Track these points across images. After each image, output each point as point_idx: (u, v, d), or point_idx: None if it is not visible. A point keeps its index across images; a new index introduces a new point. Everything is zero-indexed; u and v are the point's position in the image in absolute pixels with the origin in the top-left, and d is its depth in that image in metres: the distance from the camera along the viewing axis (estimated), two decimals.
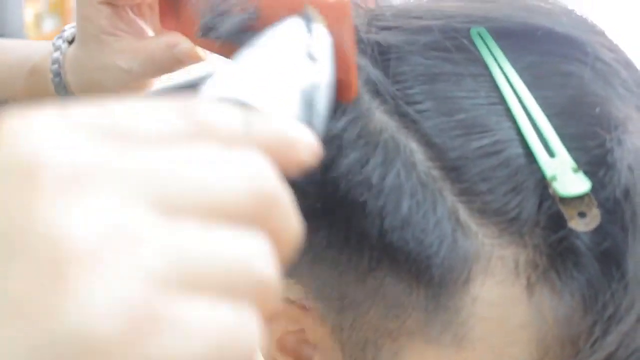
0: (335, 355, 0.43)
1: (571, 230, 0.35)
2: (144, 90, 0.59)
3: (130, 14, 0.57)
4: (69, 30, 0.62)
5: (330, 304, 0.41)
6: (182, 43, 0.53)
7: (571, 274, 0.35)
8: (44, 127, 0.22)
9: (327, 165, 0.37)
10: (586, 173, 0.35)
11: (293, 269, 0.42)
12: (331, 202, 0.38)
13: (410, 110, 0.38)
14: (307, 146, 0.28)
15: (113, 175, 0.22)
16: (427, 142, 0.37)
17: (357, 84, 0.36)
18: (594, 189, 0.35)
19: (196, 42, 0.49)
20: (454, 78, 0.38)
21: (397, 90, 0.38)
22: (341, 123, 0.37)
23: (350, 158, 0.37)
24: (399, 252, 0.37)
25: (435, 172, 0.37)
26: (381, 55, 0.39)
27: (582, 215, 0.35)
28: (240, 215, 0.24)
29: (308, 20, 0.34)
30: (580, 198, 0.35)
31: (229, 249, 0.23)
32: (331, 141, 0.37)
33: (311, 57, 0.32)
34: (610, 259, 0.35)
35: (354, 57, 0.35)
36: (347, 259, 0.39)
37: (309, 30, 0.33)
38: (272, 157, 0.26)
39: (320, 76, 0.32)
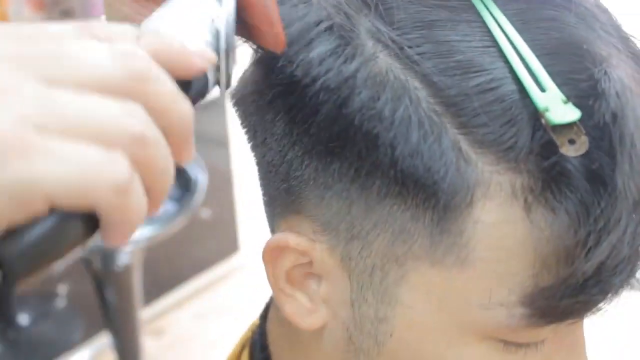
0: (342, 284, 0.46)
1: (562, 156, 0.39)
2: None
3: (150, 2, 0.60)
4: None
5: (339, 235, 0.45)
6: None
7: (564, 193, 0.39)
8: None
9: (341, 103, 0.41)
10: (575, 104, 0.39)
11: (305, 204, 0.45)
12: (343, 137, 0.42)
13: (411, 52, 0.41)
14: (197, 52, 0.34)
15: (9, 58, 0.29)
16: (428, 81, 0.41)
17: (283, 34, 0.41)
18: (583, 118, 0.39)
19: None
20: (450, 24, 0.42)
21: (398, 35, 0.42)
22: (353, 66, 0.41)
23: (362, 95, 0.41)
24: (409, 179, 0.41)
25: (438, 108, 0.41)
26: (383, 4, 0.43)
27: (571, 142, 0.39)
28: (114, 88, 0.30)
29: None
30: (569, 126, 0.39)
31: (100, 107, 0.30)
32: (344, 82, 0.41)
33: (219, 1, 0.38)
34: (599, 178, 0.39)
35: (277, 11, 0.41)
36: (357, 190, 0.43)
37: None
38: (160, 60, 0.32)
39: (225, 12, 0.38)
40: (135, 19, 0.58)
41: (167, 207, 1.92)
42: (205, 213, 2.46)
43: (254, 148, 0.49)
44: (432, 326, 0.44)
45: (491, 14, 0.43)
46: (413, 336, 0.45)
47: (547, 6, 0.43)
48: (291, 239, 0.46)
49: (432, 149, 0.40)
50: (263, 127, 0.46)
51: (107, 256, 1.90)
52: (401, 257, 0.43)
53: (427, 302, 0.44)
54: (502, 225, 0.41)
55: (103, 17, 0.59)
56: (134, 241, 1.84)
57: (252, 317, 0.62)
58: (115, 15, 0.59)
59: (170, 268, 2.44)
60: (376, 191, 0.42)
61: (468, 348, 0.44)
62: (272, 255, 0.47)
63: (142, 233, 1.85)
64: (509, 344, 0.44)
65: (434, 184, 0.40)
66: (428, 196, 0.41)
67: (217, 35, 0.38)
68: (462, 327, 0.44)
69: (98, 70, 0.30)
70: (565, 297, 0.41)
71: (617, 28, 0.44)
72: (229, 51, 0.38)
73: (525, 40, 0.42)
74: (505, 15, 0.42)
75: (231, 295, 2.61)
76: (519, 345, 0.45)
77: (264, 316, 0.59)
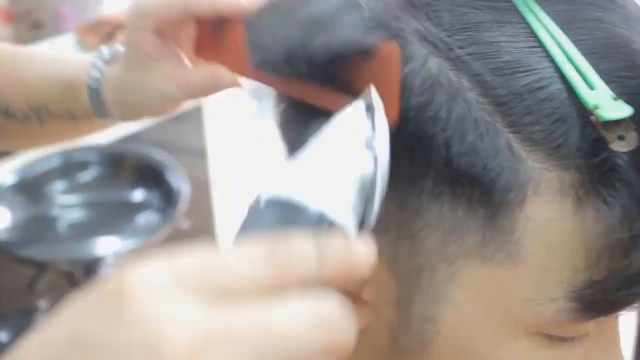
0: (388, 286, 0.47)
1: (612, 152, 0.40)
2: (176, 108, 0.66)
3: (172, 42, 0.62)
4: (106, 51, 0.66)
5: (386, 236, 0.45)
6: (224, 74, 0.59)
7: (616, 187, 0.40)
8: (159, 293, 0.30)
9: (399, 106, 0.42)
10: (627, 101, 0.40)
11: None
12: (396, 137, 0.42)
13: (461, 52, 0.42)
14: (367, 262, 0.37)
15: (222, 344, 0.30)
16: (479, 81, 0.42)
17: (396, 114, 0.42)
18: (636, 114, 0.40)
19: (239, 71, 0.55)
20: (496, 25, 0.43)
21: (446, 36, 0.43)
22: (406, 69, 0.42)
23: (417, 97, 0.41)
24: (465, 178, 0.41)
25: (489, 107, 0.42)
26: (430, 6, 0.44)
27: (621, 138, 0.40)
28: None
29: (369, 106, 0.40)
30: (619, 123, 0.40)
31: None
32: (400, 86, 0.42)
33: (369, 147, 0.38)
34: None
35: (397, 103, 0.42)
36: (408, 190, 0.43)
37: (370, 118, 0.39)
38: (340, 282, 0.35)
39: (377, 167, 0.38)
40: (156, 58, 0.62)
41: (149, 218, 1.92)
42: (185, 224, 2.45)
43: (289, 147, 0.49)
44: (480, 323, 0.45)
45: (535, 15, 0.44)
46: (461, 334, 0.46)
47: (590, 7, 0.44)
48: None
49: (488, 147, 0.41)
50: (304, 133, 0.47)
51: (90, 269, 1.88)
52: (452, 256, 0.44)
53: (476, 300, 0.44)
54: (553, 222, 0.42)
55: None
56: (116, 253, 1.83)
57: None
58: (138, 53, 0.62)
59: None
60: (428, 190, 0.43)
61: (515, 344, 0.45)
62: None
63: (125, 245, 1.84)
64: (553, 339, 0.45)
65: (489, 181, 0.41)
66: (482, 194, 0.42)
67: (365, 195, 0.38)
68: (511, 324, 0.45)
69: (301, 348, 0.32)
70: (618, 290, 0.41)
71: None
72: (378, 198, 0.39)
73: (570, 40, 0.43)
74: (549, 16, 0.43)
75: None
76: (563, 340, 0.45)
77: None
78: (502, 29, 0.43)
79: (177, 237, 2.35)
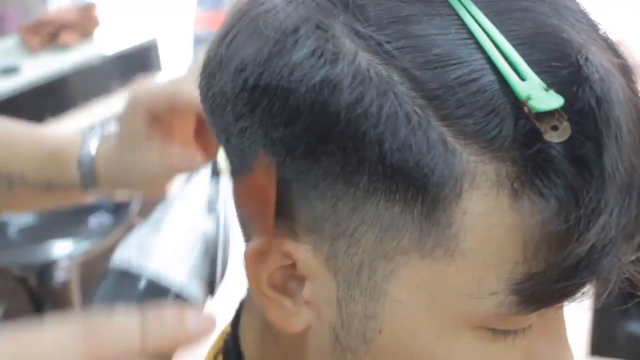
0: (328, 284, 0.46)
1: (547, 142, 0.40)
2: (162, 188, 0.73)
3: (163, 127, 0.69)
4: (96, 130, 0.74)
5: (324, 235, 0.45)
6: (198, 158, 0.67)
7: (551, 179, 0.40)
8: None
9: (325, 104, 0.41)
10: (558, 91, 0.40)
11: (282, 206, 0.45)
12: (329, 137, 0.42)
13: (389, 47, 0.42)
14: (199, 332, 0.41)
15: None
16: (409, 75, 0.41)
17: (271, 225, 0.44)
18: (567, 104, 0.40)
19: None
20: (425, 18, 0.43)
21: (375, 31, 0.42)
22: (336, 67, 0.41)
23: (347, 95, 0.41)
24: (398, 174, 0.41)
25: (421, 102, 0.41)
26: (354, 1, 0.43)
27: (554, 128, 0.40)
28: None
29: (214, 170, 0.41)
30: (551, 114, 0.40)
31: None
32: (328, 83, 0.41)
33: (212, 210, 0.39)
34: (585, 163, 0.40)
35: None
36: (343, 188, 0.43)
37: (214, 182, 0.41)
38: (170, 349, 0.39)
39: (219, 229, 0.39)
40: (148, 139, 0.69)
41: (102, 219, 1.89)
42: (141, 222, 2.42)
43: (229, 152, 0.48)
44: (422, 319, 0.45)
45: (464, 6, 0.43)
46: (403, 331, 0.45)
47: None
48: (275, 241, 0.46)
49: (420, 142, 0.40)
50: (240, 134, 0.46)
51: (43, 273, 1.86)
52: (390, 253, 0.43)
53: (416, 296, 0.44)
54: (490, 215, 0.41)
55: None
56: (69, 256, 1.80)
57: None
58: (132, 134, 0.69)
59: None
60: (363, 188, 0.42)
61: (458, 339, 0.45)
62: (254, 259, 0.47)
63: (78, 247, 1.82)
64: (497, 332, 0.45)
65: (423, 177, 0.41)
66: (417, 190, 0.41)
67: (207, 255, 0.39)
68: (452, 319, 0.44)
69: None
70: (556, 281, 0.41)
71: (586, 16, 0.45)
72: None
73: (501, 32, 0.42)
74: (478, 7, 0.43)
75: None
76: (506, 333, 0.45)
77: (235, 323, 0.58)
78: (431, 22, 0.43)
79: None
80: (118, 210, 1.89)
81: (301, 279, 0.47)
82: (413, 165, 0.41)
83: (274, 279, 0.48)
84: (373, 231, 0.43)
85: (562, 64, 0.41)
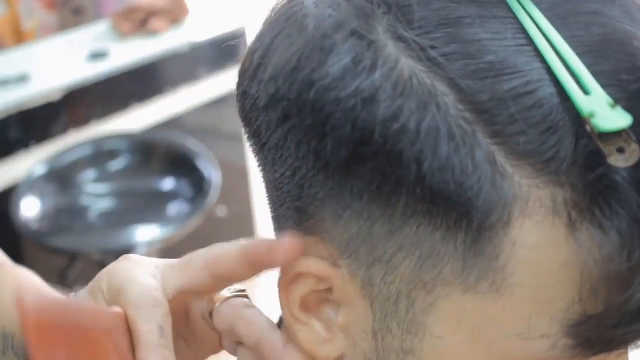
0: (364, 313, 0.42)
1: (610, 167, 0.35)
2: None
3: None
4: None
5: (360, 259, 0.40)
6: None
7: (614, 210, 0.35)
8: None
9: (362, 117, 0.37)
10: (626, 109, 0.35)
11: (320, 225, 0.41)
12: (364, 155, 0.37)
13: (434, 53, 0.37)
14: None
15: None
16: (456, 85, 0.36)
17: None
18: (636, 123, 0.34)
19: None
20: (479, 20, 0.38)
21: (420, 35, 0.38)
22: (375, 76, 0.37)
23: (384, 107, 0.36)
24: (438, 197, 0.36)
25: (468, 115, 0.36)
26: (401, 2, 0.39)
27: (620, 151, 0.35)
28: None
29: None
30: (618, 134, 0.35)
31: None
32: (366, 94, 0.37)
33: None
34: None
35: None
36: (380, 209, 0.38)
37: None
38: None
39: None
40: None
41: (180, 207, 1.89)
42: (222, 211, 2.42)
43: (262, 162, 0.44)
44: (463, 358, 0.40)
45: (524, 8, 0.38)
46: None
47: None
48: (313, 263, 0.42)
49: (464, 163, 0.36)
50: (274, 142, 0.42)
51: None
52: (430, 283, 0.39)
53: (458, 332, 0.39)
54: (544, 247, 0.36)
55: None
56: (148, 242, 1.81)
57: (273, 315, 0.58)
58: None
59: None
60: (401, 210, 0.38)
61: None
62: (287, 281, 0.43)
63: (157, 234, 1.82)
64: None
65: (467, 201, 0.36)
66: (460, 215, 0.36)
67: None
68: (498, 359, 0.39)
69: None
70: (616, 326, 0.36)
71: None
72: None
73: (564, 38, 0.37)
74: (540, 10, 0.38)
75: (252, 295, 2.57)
76: None
77: None
78: (486, 25, 0.38)
79: (214, 225, 2.33)
80: (196, 198, 1.89)
81: (337, 305, 0.43)
82: (455, 187, 0.36)
83: (308, 302, 0.44)
84: (412, 258, 0.39)
85: (631, 77, 0.35)
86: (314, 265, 0.42)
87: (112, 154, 2.02)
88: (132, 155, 2.04)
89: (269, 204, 0.46)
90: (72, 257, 1.93)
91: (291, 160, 0.41)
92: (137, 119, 2.24)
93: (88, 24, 2.60)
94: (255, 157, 0.45)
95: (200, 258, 0.46)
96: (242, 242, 0.45)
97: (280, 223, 0.45)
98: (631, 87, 0.35)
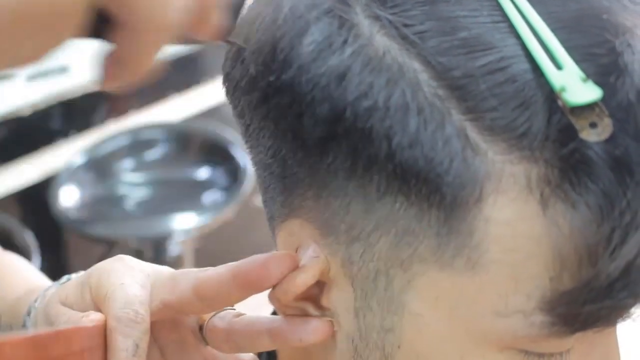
0: (345, 291, 0.42)
1: (582, 142, 0.34)
2: None
3: None
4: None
5: (339, 238, 0.41)
6: None
7: (585, 184, 0.34)
8: None
9: (334, 92, 0.37)
10: (596, 82, 0.34)
11: (303, 205, 0.41)
12: (337, 132, 0.38)
13: (408, 32, 0.37)
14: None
15: None
16: (430, 62, 0.36)
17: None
18: (605, 97, 0.34)
19: None
20: None
21: (396, 13, 0.38)
22: (347, 52, 0.37)
23: (356, 83, 0.37)
24: (409, 173, 0.36)
25: (441, 92, 0.36)
26: None
27: (593, 125, 0.34)
28: None
29: None
30: (590, 108, 0.34)
31: None
32: (338, 70, 0.37)
33: None
34: (624, 166, 0.34)
35: None
36: (355, 187, 0.39)
37: None
38: None
39: None
40: None
41: (215, 196, 1.91)
42: (257, 200, 2.43)
43: (249, 145, 0.45)
44: (443, 336, 0.40)
45: None
46: (423, 347, 0.41)
47: None
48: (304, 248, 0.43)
49: (433, 138, 0.36)
50: (257, 122, 0.43)
51: (159, 246, 1.89)
52: (406, 261, 0.39)
53: (436, 310, 0.39)
54: (518, 223, 0.36)
55: None
56: (184, 231, 1.83)
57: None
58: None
59: (226, 257, 2.42)
60: (375, 187, 0.38)
61: None
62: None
63: (192, 223, 1.84)
64: (530, 355, 0.40)
65: (437, 176, 0.36)
66: (432, 191, 0.36)
67: None
68: (477, 337, 0.39)
69: None
70: (589, 302, 0.36)
71: None
72: None
73: (540, 14, 0.37)
74: None
75: None
76: (541, 356, 0.40)
77: None
78: (462, 2, 0.38)
79: (249, 214, 2.34)
80: (232, 187, 1.90)
81: (322, 285, 0.43)
82: (425, 163, 0.36)
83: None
84: (388, 236, 0.39)
85: (602, 50, 0.35)
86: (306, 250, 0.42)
87: (149, 144, 2.04)
88: (169, 144, 2.05)
89: (259, 187, 0.46)
90: (110, 244, 1.95)
91: (272, 140, 0.41)
92: (175, 109, 2.26)
93: None
94: (243, 138, 0.45)
95: (189, 279, 0.44)
96: (232, 264, 0.43)
97: (269, 207, 0.46)
98: (602, 60, 0.35)
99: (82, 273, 0.48)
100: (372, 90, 0.36)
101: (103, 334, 0.44)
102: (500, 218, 0.36)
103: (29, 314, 0.53)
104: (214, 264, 0.45)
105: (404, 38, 0.37)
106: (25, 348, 0.38)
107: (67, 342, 0.42)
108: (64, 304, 0.47)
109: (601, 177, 0.34)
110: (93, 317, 0.44)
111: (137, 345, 0.44)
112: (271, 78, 0.40)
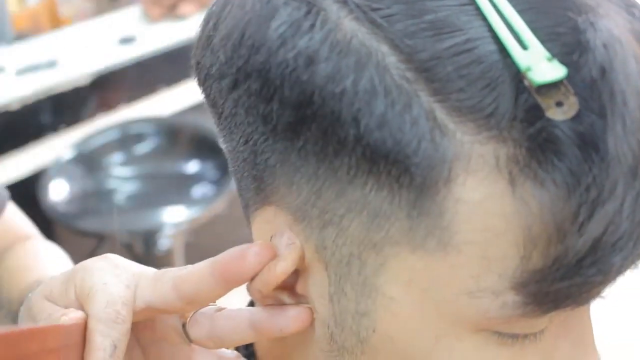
0: (319, 277, 0.42)
1: (549, 120, 0.35)
2: None
3: None
4: None
5: (312, 223, 0.41)
6: None
7: (552, 162, 0.35)
8: None
9: (302, 77, 0.37)
10: (561, 61, 0.35)
11: (276, 192, 0.41)
12: (306, 116, 0.38)
13: (376, 15, 0.37)
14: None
15: None
16: (397, 45, 0.37)
17: None
18: (569, 74, 0.34)
19: None
20: None
21: None
22: (316, 36, 0.37)
23: (323, 67, 0.37)
24: (378, 155, 0.36)
25: (409, 74, 0.36)
26: None
27: (559, 104, 0.34)
28: None
29: None
30: (556, 86, 0.35)
31: None
32: (306, 54, 0.37)
33: None
34: (589, 142, 0.34)
35: None
36: (326, 171, 0.39)
37: None
38: None
39: None
40: None
41: (205, 189, 1.91)
42: None
43: (223, 135, 0.45)
44: (417, 319, 0.40)
45: None
46: (397, 331, 0.41)
47: None
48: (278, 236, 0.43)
49: (401, 119, 0.36)
50: (228, 110, 0.43)
51: (149, 240, 1.89)
52: (378, 243, 0.39)
53: (409, 293, 0.39)
54: (487, 203, 0.36)
55: None
56: (174, 224, 1.83)
57: None
58: None
59: (216, 251, 2.42)
60: (346, 170, 0.38)
61: (459, 342, 0.40)
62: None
63: (182, 216, 1.84)
64: (503, 336, 0.40)
65: (405, 157, 0.36)
66: (401, 172, 0.36)
67: None
68: (450, 319, 0.39)
69: None
70: (558, 279, 0.36)
71: None
72: None
73: None
74: None
75: None
76: (515, 337, 0.40)
77: None
78: None
79: (238, 208, 2.34)
80: (221, 180, 1.90)
81: (297, 271, 0.43)
82: (393, 144, 0.36)
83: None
84: (360, 219, 0.39)
85: (565, 29, 0.35)
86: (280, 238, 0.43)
87: (139, 138, 2.04)
88: (158, 138, 2.06)
89: (233, 176, 0.46)
90: (100, 238, 1.95)
91: (243, 127, 0.42)
92: (165, 103, 2.26)
93: (121, 9, 2.62)
94: (217, 128, 0.45)
95: (169, 277, 0.44)
96: (210, 259, 0.43)
97: (243, 196, 0.46)
98: (566, 39, 0.35)
99: (66, 272, 0.48)
100: (339, 73, 0.36)
101: (82, 332, 0.44)
102: (470, 198, 0.36)
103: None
104: (204, 257, 0.45)
105: (372, 22, 0.37)
106: None
107: (41, 340, 0.41)
108: (48, 299, 0.47)
109: (568, 155, 0.34)
110: (72, 316, 0.44)
111: (115, 346, 0.43)
112: (240, 63, 0.40)
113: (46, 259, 0.77)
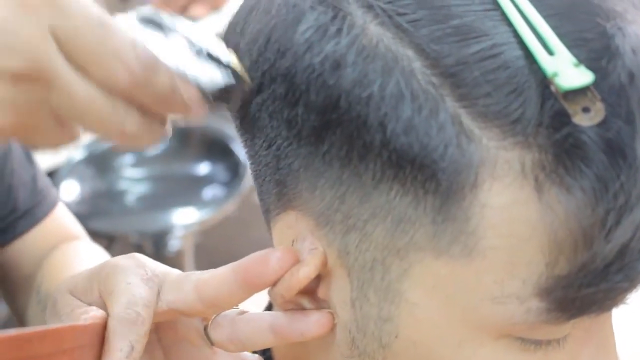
0: (341, 282, 0.42)
1: (576, 126, 0.34)
2: None
3: None
4: None
5: (335, 228, 0.41)
6: None
7: (579, 168, 0.35)
8: None
9: (328, 82, 0.37)
10: (588, 67, 0.35)
11: (298, 197, 0.41)
12: (332, 121, 0.38)
13: (401, 20, 0.37)
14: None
15: None
16: (423, 50, 0.37)
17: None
18: (597, 81, 0.34)
19: None
20: None
21: (389, 2, 0.38)
22: (342, 42, 0.37)
23: (350, 72, 0.37)
24: (404, 160, 0.36)
25: (435, 79, 0.36)
26: None
27: (586, 110, 0.34)
28: None
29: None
30: (583, 92, 0.35)
31: None
32: (332, 60, 0.37)
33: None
34: (617, 149, 0.34)
35: None
36: (350, 176, 0.39)
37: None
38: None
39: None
40: None
41: (215, 191, 1.91)
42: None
43: (244, 139, 0.45)
44: (440, 324, 0.40)
45: None
46: (420, 336, 0.41)
47: None
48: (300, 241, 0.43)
49: (427, 124, 0.36)
50: (251, 114, 0.43)
51: (159, 241, 1.89)
52: (403, 249, 0.39)
53: (433, 298, 0.39)
54: (513, 209, 0.36)
55: None
56: (185, 226, 1.83)
57: None
58: None
59: (226, 253, 2.43)
60: (371, 175, 0.38)
61: (482, 348, 0.40)
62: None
63: (192, 218, 1.84)
64: (526, 342, 0.40)
65: (432, 163, 0.36)
66: (427, 178, 0.36)
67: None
68: (474, 325, 0.39)
69: None
70: (585, 286, 0.36)
71: None
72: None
73: (531, 1, 0.37)
74: None
75: None
76: (538, 343, 0.40)
77: None
78: None
79: (249, 210, 2.34)
80: (232, 182, 1.90)
81: (319, 276, 0.43)
82: (420, 149, 0.36)
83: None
84: (384, 224, 0.39)
85: (593, 35, 0.35)
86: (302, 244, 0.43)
87: None
88: (169, 140, 2.05)
89: (254, 181, 0.46)
90: (110, 239, 1.95)
91: (266, 131, 0.42)
92: None
93: (132, 10, 2.63)
94: (238, 132, 0.45)
95: (192, 280, 0.44)
96: (232, 263, 0.43)
97: (264, 200, 0.46)
98: (594, 45, 0.35)
99: (93, 268, 0.48)
100: (366, 78, 0.36)
101: (101, 331, 0.44)
102: (496, 204, 0.36)
103: None
104: (214, 259, 0.44)
105: (398, 27, 0.37)
106: (7, 346, 0.38)
107: (56, 340, 0.41)
108: (72, 294, 0.47)
109: (595, 161, 0.34)
110: (91, 315, 0.44)
111: (132, 347, 0.43)
112: (265, 67, 0.40)
113: (87, 259, 0.78)
